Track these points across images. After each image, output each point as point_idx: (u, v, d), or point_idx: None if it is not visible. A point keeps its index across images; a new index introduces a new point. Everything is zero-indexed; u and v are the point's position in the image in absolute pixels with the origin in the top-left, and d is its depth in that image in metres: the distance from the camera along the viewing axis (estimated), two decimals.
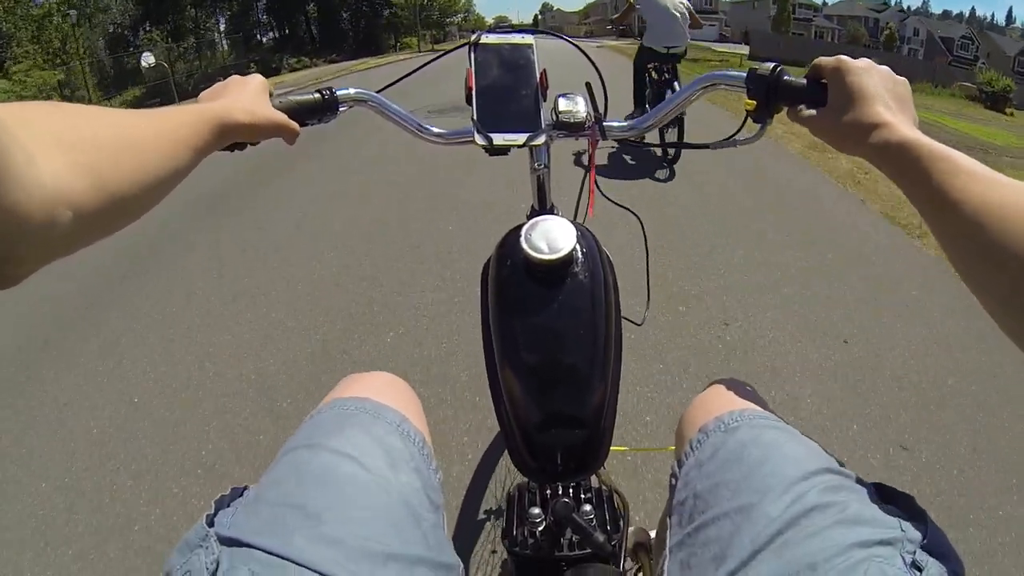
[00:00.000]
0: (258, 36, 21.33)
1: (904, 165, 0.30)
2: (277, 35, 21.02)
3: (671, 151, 2.76)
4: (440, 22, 24.92)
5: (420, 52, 20.28)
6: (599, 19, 52.15)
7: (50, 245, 0.20)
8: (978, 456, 0.90)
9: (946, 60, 28.68)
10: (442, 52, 0.59)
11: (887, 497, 0.33)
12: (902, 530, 0.29)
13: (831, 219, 1.97)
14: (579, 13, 74.43)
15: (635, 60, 2.82)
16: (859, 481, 0.34)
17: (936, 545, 0.29)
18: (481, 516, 0.85)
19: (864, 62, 0.35)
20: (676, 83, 2.61)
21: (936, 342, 1.22)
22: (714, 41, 34.42)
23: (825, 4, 37.20)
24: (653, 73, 2.66)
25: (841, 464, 0.35)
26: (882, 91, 0.33)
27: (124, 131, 0.25)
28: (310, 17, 20.73)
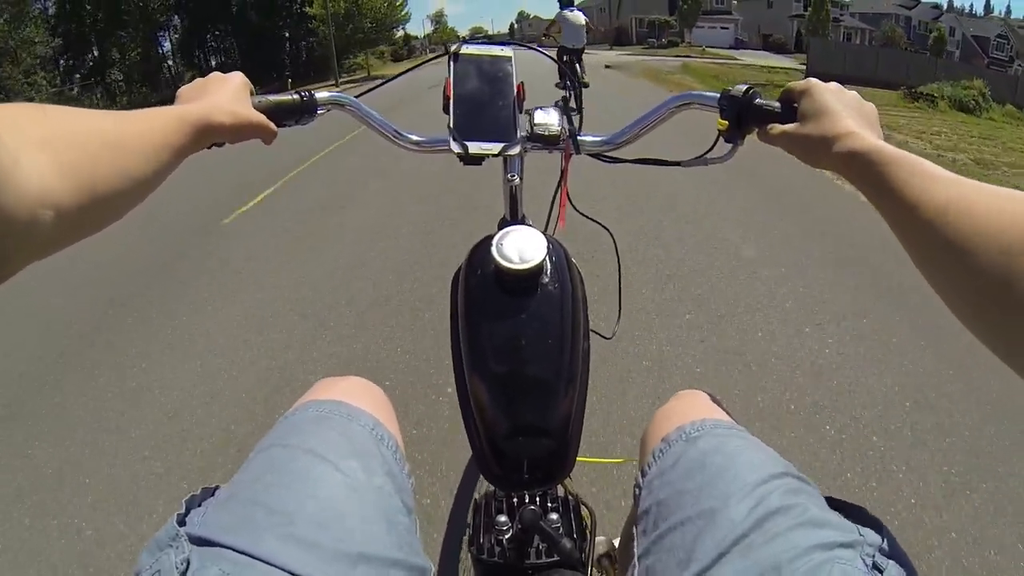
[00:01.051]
0: (170, 71, 22.14)
1: (867, 171, 0.37)
2: (198, 70, 21.79)
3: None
4: (373, 39, 23.48)
5: (369, 77, 20.13)
6: (586, 22, 55.59)
7: (33, 245, 0.25)
8: None
9: (983, 62, 30.27)
10: (421, 61, 0.72)
11: (838, 507, 0.41)
12: (860, 534, 0.37)
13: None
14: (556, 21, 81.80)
15: (557, 53, 5.17)
16: (814, 487, 0.42)
17: (893, 550, 0.36)
18: (454, 521, 0.99)
19: (834, 85, 0.45)
20: (578, 65, 5.42)
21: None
22: (731, 47, 33.89)
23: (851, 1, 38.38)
24: (565, 57, 5.07)
25: (798, 471, 0.44)
26: (848, 109, 0.42)
27: (107, 133, 0.31)
28: (225, 48, 21.02)
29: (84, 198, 0.27)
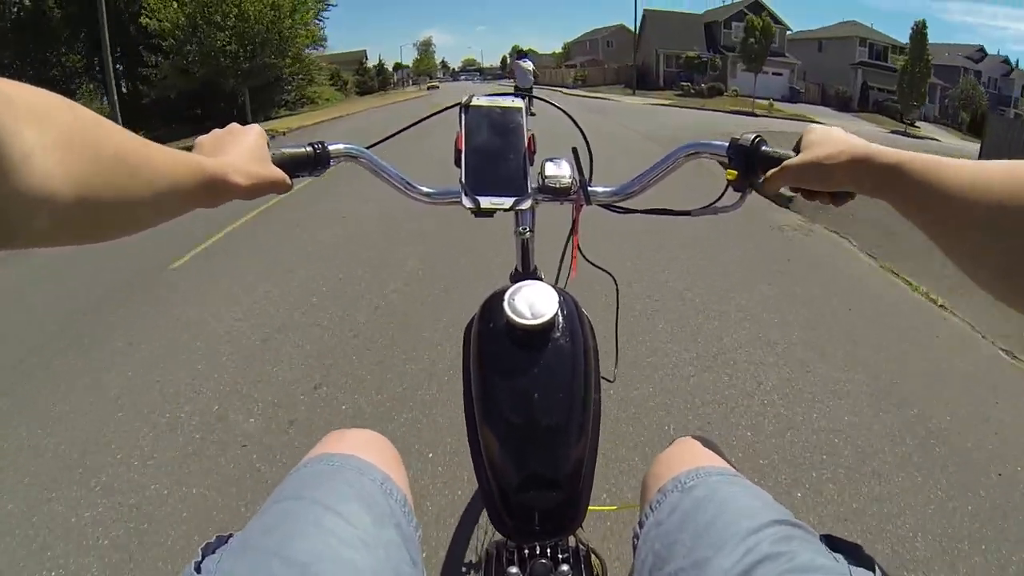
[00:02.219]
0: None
1: (879, 175, 0.49)
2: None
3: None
4: (277, 68, 20.67)
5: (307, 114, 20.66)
6: (590, 59, 54.12)
7: (22, 237, 0.31)
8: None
9: None
10: (434, 112, 0.89)
11: (836, 546, 0.53)
12: (851, 575, 0.48)
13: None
14: (557, 56, 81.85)
15: (514, 90, 7.19)
16: (809, 531, 0.54)
17: None
18: (462, 571, 1.17)
19: (831, 127, 0.61)
20: (527, 99, 9.03)
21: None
22: (785, 99, 32.99)
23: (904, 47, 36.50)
24: (522, 93, 8.37)
25: (793, 516, 0.56)
26: (845, 135, 0.57)
27: (126, 156, 0.37)
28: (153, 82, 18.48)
29: (81, 210, 0.33)
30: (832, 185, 0.57)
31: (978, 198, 0.40)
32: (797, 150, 0.62)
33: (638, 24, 41.76)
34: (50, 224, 0.32)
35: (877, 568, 0.49)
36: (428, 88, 57.84)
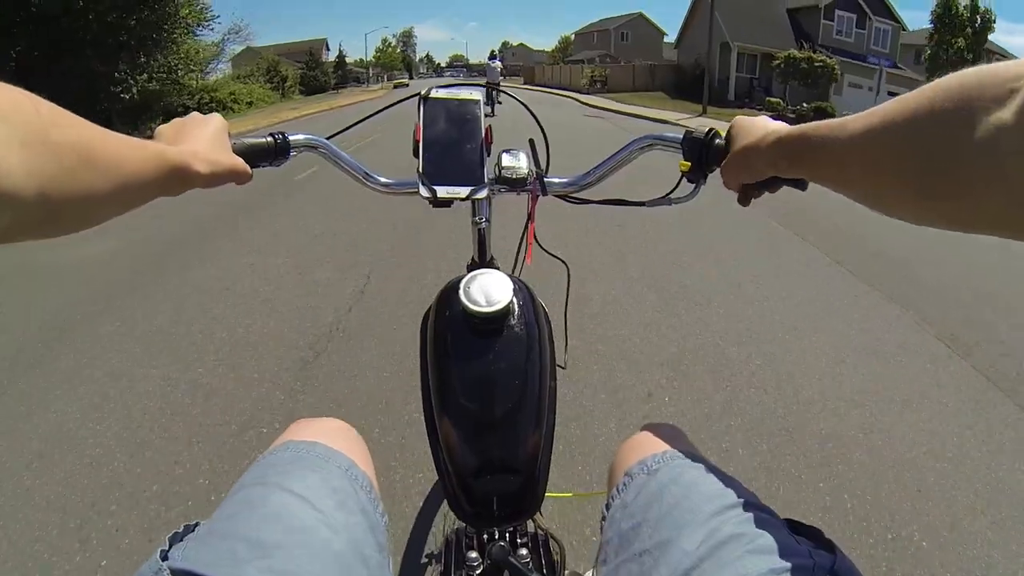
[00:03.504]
0: None
1: (794, 149, 0.64)
2: None
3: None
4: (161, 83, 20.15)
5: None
6: (602, 53, 56.00)
7: None
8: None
9: None
10: (391, 104, 1.13)
11: (796, 530, 0.67)
12: (812, 557, 0.59)
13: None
14: (552, 52, 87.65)
15: (486, 84, 9.91)
16: (772, 514, 0.68)
17: (843, 573, 0.58)
18: (423, 560, 1.45)
19: (759, 116, 0.79)
20: (495, 92, 12.03)
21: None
22: None
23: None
24: (491, 87, 8.82)
25: (756, 499, 0.70)
26: (767, 122, 0.75)
27: (88, 145, 0.47)
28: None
29: (42, 207, 0.41)
30: (757, 174, 0.75)
31: (871, 140, 0.52)
32: (726, 140, 0.82)
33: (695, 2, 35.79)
34: (10, 222, 0.39)
35: (837, 551, 0.62)
36: (395, 86, 59.09)
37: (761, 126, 0.75)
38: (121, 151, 0.52)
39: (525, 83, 58.52)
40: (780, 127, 0.71)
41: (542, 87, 49.04)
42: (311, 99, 43.53)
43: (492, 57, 22.75)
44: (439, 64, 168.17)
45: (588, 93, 37.13)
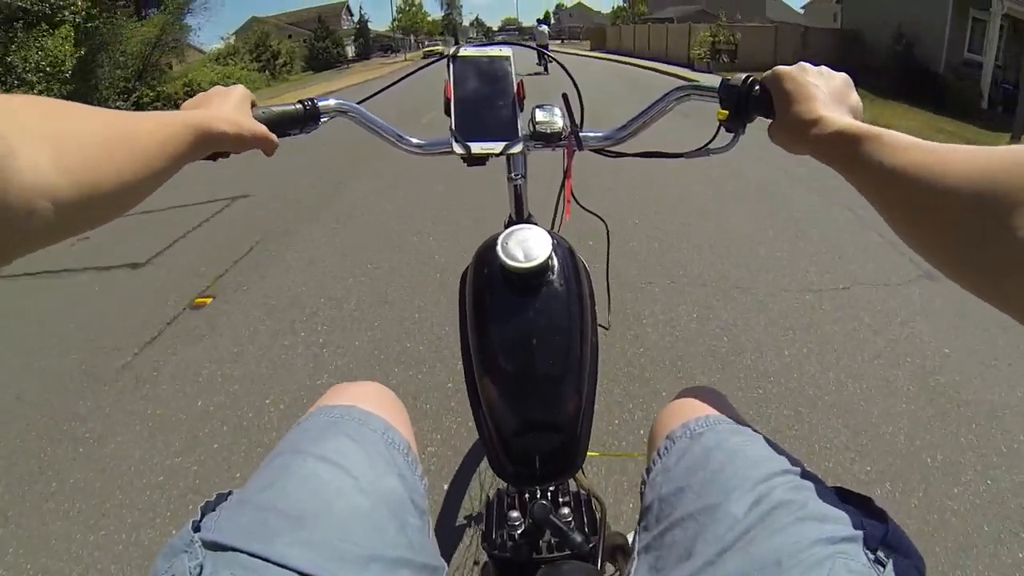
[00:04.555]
0: None
1: (841, 151, 0.67)
2: None
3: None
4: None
5: None
6: (697, 9, 47.24)
7: (31, 236, 0.45)
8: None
9: None
10: (422, 65, 1.21)
11: (846, 498, 0.69)
12: (864, 527, 0.62)
13: None
14: (612, 13, 76.98)
15: (537, 47, 10.15)
16: (820, 482, 0.70)
17: (897, 542, 0.61)
18: (462, 521, 1.63)
19: (798, 66, 0.80)
20: (546, 52, 10.90)
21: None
22: None
23: None
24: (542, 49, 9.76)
25: (803, 466, 0.73)
26: (816, 90, 0.75)
27: (109, 132, 0.54)
28: None
29: (80, 194, 0.48)
30: (800, 153, 0.79)
31: (933, 182, 0.55)
32: (764, 91, 0.86)
33: None
34: (53, 215, 0.46)
35: (889, 520, 0.66)
36: (425, 56, 54.45)
37: (808, 97, 0.79)
38: (144, 128, 0.62)
39: (593, 49, 48.94)
40: (827, 114, 0.75)
41: (618, 56, 37.73)
42: (305, 80, 41.58)
43: (540, 22, 22.80)
44: (490, 28, 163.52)
45: (709, 71, 24.75)
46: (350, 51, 60.54)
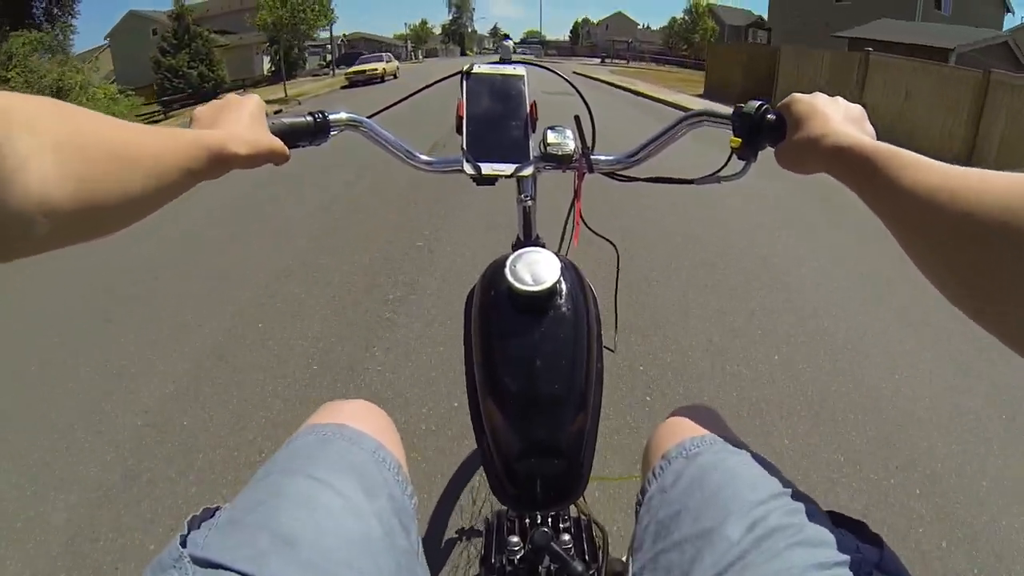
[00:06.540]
0: None
1: (855, 167, 0.67)
2: None
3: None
4: None
5: None
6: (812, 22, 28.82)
7: (24, 245, 0.45)
8: None
9: None
10: (434, 81, 1.18)
11: (840, 522, 0.69)
12: (859, 551, 0.62)
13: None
14: (678, 25, 61.61)
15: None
16: (814, 504, 0.70)
17: (891, 567, 0.62)
18: (452, 535, 1.64)
19: (813, 94, 0.82)
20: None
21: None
22: None
23: None
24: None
25: (795, 486, 0.73)
26: (830, 110, 0.77)
27: (121, 145, 0.53)
28: None
29: (82, 207, 0.47)
30: (808, 171, 0.80)
31: (946, 202, 0.53)
32: (780, 119, 0.87)
33: None
34: (51, 228, 0.45)
35: (884, 546, 0.66)
36: (348, 78, 34.64)
37: (821, 117, 0.79)
38: (157, 145, 0.60)
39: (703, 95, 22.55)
40: (843, 131, 0.75)
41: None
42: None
43: (506, 37, 27.66)
44: (506, 35, 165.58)
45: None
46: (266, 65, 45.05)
